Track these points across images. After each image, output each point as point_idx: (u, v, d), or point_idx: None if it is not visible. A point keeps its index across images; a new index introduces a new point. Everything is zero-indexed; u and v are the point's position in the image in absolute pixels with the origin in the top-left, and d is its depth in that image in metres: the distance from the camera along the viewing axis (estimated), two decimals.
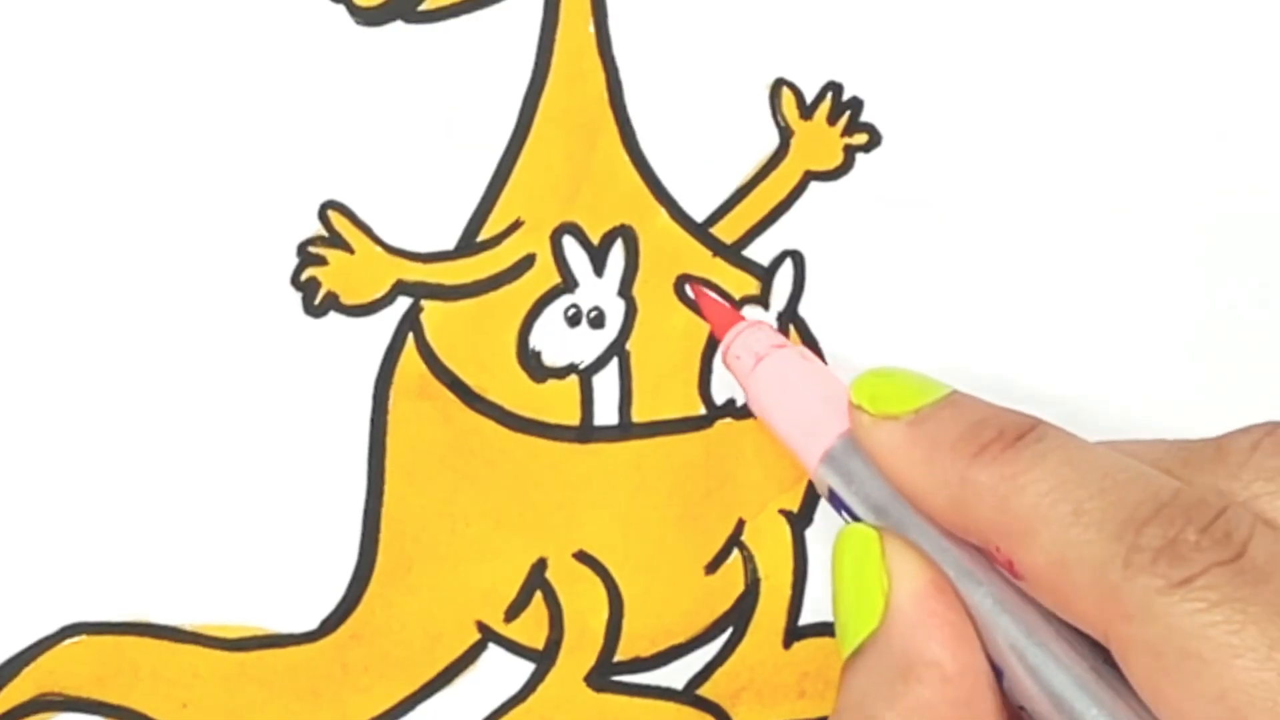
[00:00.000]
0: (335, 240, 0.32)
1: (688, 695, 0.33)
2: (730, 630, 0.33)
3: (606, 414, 0.33)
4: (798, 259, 0.33)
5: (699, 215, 0.33)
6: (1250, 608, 0.23)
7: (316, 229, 0.32)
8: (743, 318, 0.32)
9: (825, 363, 0.33)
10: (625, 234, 0.33)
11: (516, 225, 0.33)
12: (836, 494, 0.29)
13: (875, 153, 0.34)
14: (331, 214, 0.32)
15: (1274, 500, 0.25)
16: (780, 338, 0.31)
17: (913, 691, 0.26)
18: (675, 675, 0.33)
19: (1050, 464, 0.25)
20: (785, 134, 0.33)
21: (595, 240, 0.33)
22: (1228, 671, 0.22)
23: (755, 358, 0.31)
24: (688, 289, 0.33)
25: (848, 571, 0.28)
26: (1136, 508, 0.24)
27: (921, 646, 0.26)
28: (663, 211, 0.33)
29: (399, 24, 0.32)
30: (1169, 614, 0.23)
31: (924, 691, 0.26)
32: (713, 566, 0.33)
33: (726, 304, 0.33)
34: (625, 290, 0.33)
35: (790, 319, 0.33)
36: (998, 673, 0.26)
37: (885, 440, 0.28)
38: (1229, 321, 0.35)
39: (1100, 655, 0.25)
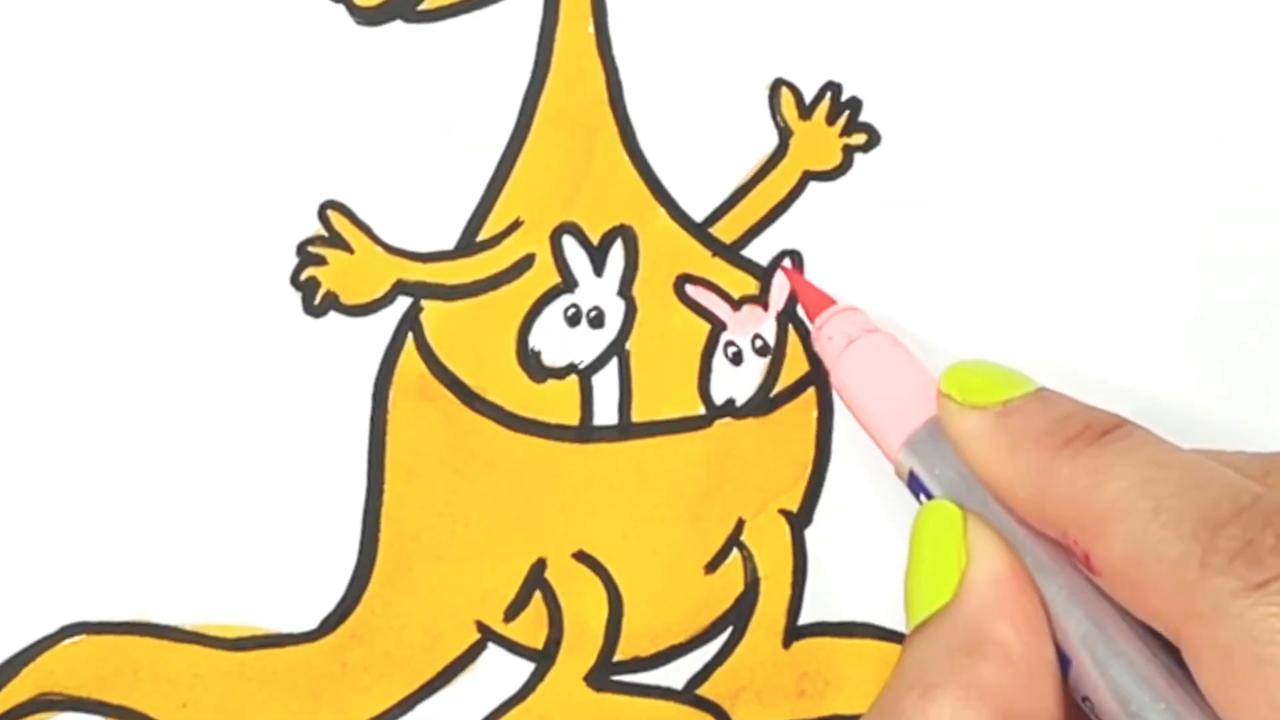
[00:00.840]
0: (335, 240, 0.32)
1: (687, 695, 0.33)
2: (730, 630, 0.33)
3: (606, 414, 0.33)
4: (796, 259, 0.34)
5: (698, 215, 0.33)
6: None
7: (316, 229, 0.32)
8: (835, 301, 0.32)
9: None
10: (625, 234, 0.33)
11: (516, 225, 0.33)
12: (917, 477, 0.29)
13: (874, 153, 0.34)
14: (331, 214, 0.32)
15: None
16: (872, 323, 0.31)
17: (976, 666, 0.26)
18: (675, 675, 0.33)
19: (1133, 460, 0.25)
20: (784, 134, 0.34)
21: (595, 240, 0.33)
22: None
23: (847, 339, 0.31)
24: (779, 273, 0.33)
25: (927, 544, 0.28)
26: (1216, 508, 0.24)
27: (992, 625, 0.26)
28: (662, 211, 0.33)
29: (399, 24, 0.32)
30: (1242, 617, 0.23)
31: (987, 668, 0.26)
32: (712, 566, 0.33)
33: (816, 287, 0.33)
34: (625, 290, 0.33)
35: (789, 319, 0.33)
36: (1064, 664, 0.26)
37: (972, 429, 0.28)
38: (1228, 321, 0.35)
39: (1171, 656, 0.25)
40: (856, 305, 0.32)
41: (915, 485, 0.29)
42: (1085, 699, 0.26)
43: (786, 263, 0.33)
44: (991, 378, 0.28)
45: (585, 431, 0.33)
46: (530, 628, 0.33)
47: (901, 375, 0.30)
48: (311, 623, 0.32)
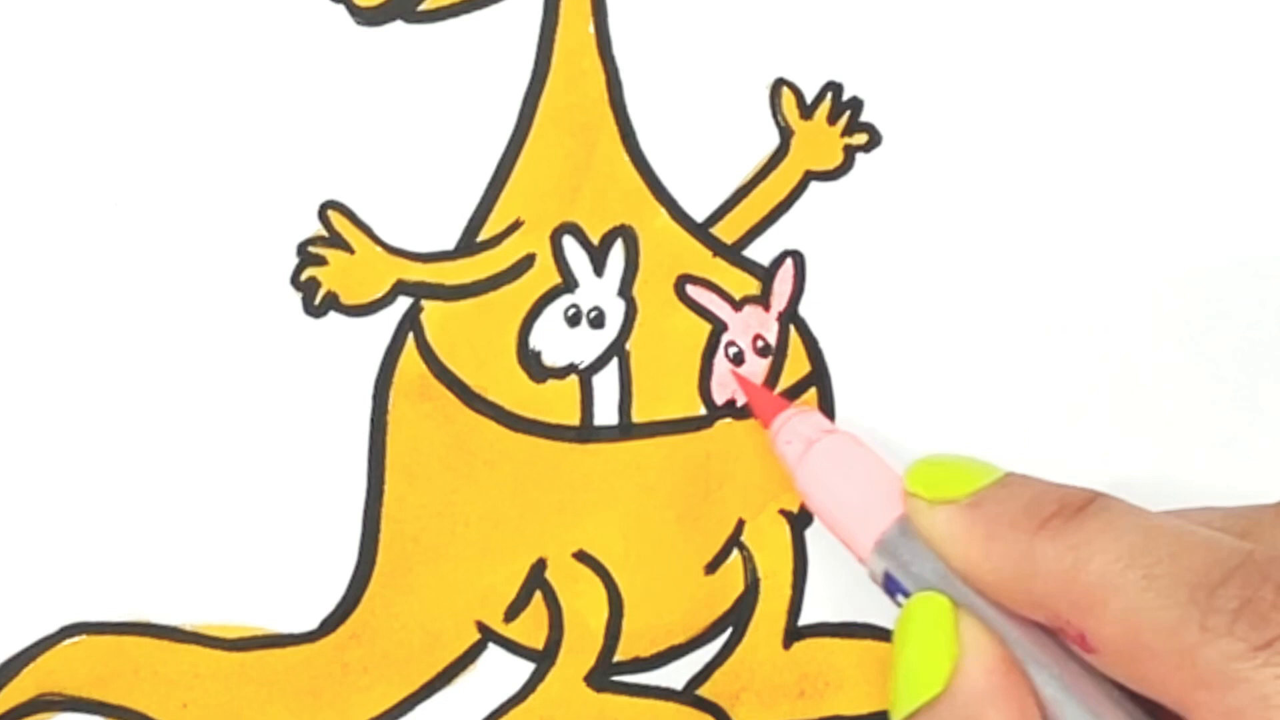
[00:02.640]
0: (335, 240, 0.32)
1: (687, 695, 0.33)
2: (730, 630, 0.33)
3: (606, 414, 0.33)
4: (798, 259, 0.33)
5: (699, 215, 0.33)
6: None
7: (316, 229, 0.32)
8: (789, 404, 0.32)
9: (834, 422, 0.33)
10: (625, 234, 0.33)
11: (516, 225, 0.33)
12: (893, 578, 0.29)
13: (875, 153, 0.34)
14: (331, 214, 0.32)
15: None
16: (829, 423, 0.31)
17: None
18: (675, 675, 0.33)
19: (1116, 532, 0.25)
20: (785, 134, 0.33)
21: (595, 240, 0.33)
22: None
23: (806, 442, 0.31)
24: (734, 377, 0.33)
25: (917, 635, 0.27)
26: (1209, 570, 0.24)
27: (987, 716, 0.26)
28: (663, 211, 0.33)
29: (399, 24, 0.32)
30: (1250, 680, 0.22)
31: None
32: (712, 567, 0.33)
33: (770, 391, 0.33)
34: (625, 290, 0.33)
35: (791, 319, 0.33)
36: None
37: (944, 524, 0.27)
38: (1229, 321, 0.35)
39: None
40: (810, 406, 0.32)
41: (891, 586, 0.29)
42: None
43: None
44: (957, 470, 0.28)
45: (585, 432, 0.33)
46: (530, 628, 0.33)
47: (865, 474, 0.30)
48: (312, 623, 0.32)
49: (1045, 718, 0.26)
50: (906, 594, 0.28)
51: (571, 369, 0.33)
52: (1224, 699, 0.23)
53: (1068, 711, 0.26)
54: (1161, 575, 0.24)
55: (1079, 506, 0.26)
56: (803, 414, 0.31)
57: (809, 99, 0.34)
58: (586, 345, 0.33)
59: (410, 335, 0.32)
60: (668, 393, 0.33)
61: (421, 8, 0.32)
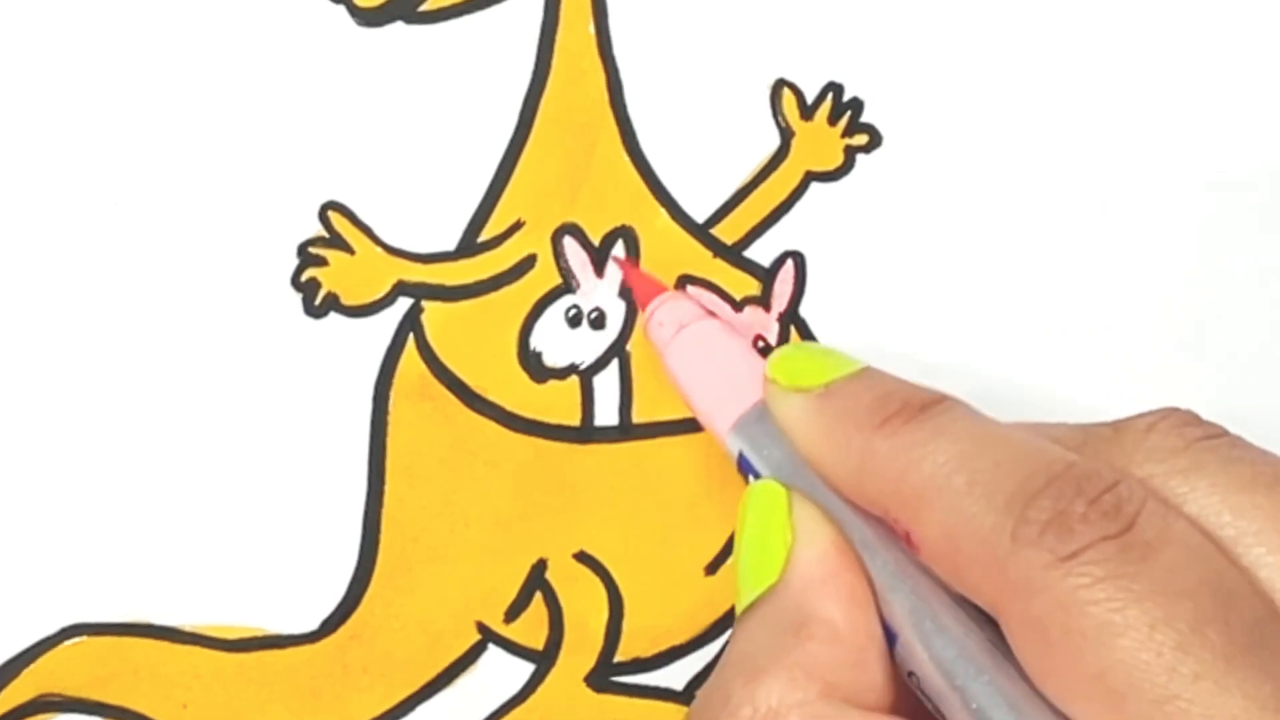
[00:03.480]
0: (336, 241, 0.32)
1: (688, 696, 0.33)
2: (730, 631, 0.33)
3: (607, 415, 0.33)
4: (798, 260, 0.33)
5: (700, 216, 0.33)
6: (1134, 585, 0.22)
7: (317, 230, 0.32)
8: (667, 288, 0.32)
9: None
10: (626, 235, 0.33)
11: (517, 226, 0.33)
12: (746, 459, 0.29)
13: (876, 153, 0.34)
14: (332, 215, 0.32)
15: (1167, 480, 0.25)
16: (704, 311, 0.32)
17: (802, 646, 0.26)
18: (675, 676, 0.33)
19: (949, 436, 0.25)
20: (786, 134, 0.33)
21: (596, 241, 0.33)
22: (1108, 650, 0.22)
23: (678, 325, 0.31)
24: (615, 262, 0.33)
25: (752, 525, 0.28)
26: (1029, 479, 0.24)
27: (817, 604, 0.26)
28: (663, 212, 0.33)
29: (399, 24, 0.32)
30: (1052, 589, 0.23)
31: (814, 648, 0.26)
32: (713, 567, 0.33)
33: (650, 275, 0.33)
34: (626, 291, 0.33)
35: (792, 320, 0.33)
36: (891, 640, 0.26)
37: (795, 411, 0.28)
38: (1229, 322, 0.35)
39: (994, 629, 0.25)
40: (689, 293, 0.32)
41: (745, 466, 0.29)
42: (911, 674, 0.26)
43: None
44: (815, 360, 0.29)
45: (586, 432, 0.33)
46: (531, 628, 0.33)
47: (732, 360, 0.30)
48: (312, 624, 0.32)
49: (878, 604, 0.26)
50: (758, 476, 0.29)
51: (572, 369, 0.33)
52: (1028, 606, 0.23)
53: (898, 598, 0.26)
54: (983, 482, 0.24)
55: (921, 407, 0.26)
56: (676, 299, 0.32)
57: (810, 100, 0.34)
58: (587, 346, 0.33)
59: (411, 336, 0.32)
60: (668, 394, 0.33)
61: (422, 8, 0.32)
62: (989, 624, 0.25)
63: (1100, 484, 0.24)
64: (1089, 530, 0.23)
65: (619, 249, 0.33)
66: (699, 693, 0.27)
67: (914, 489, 0.25)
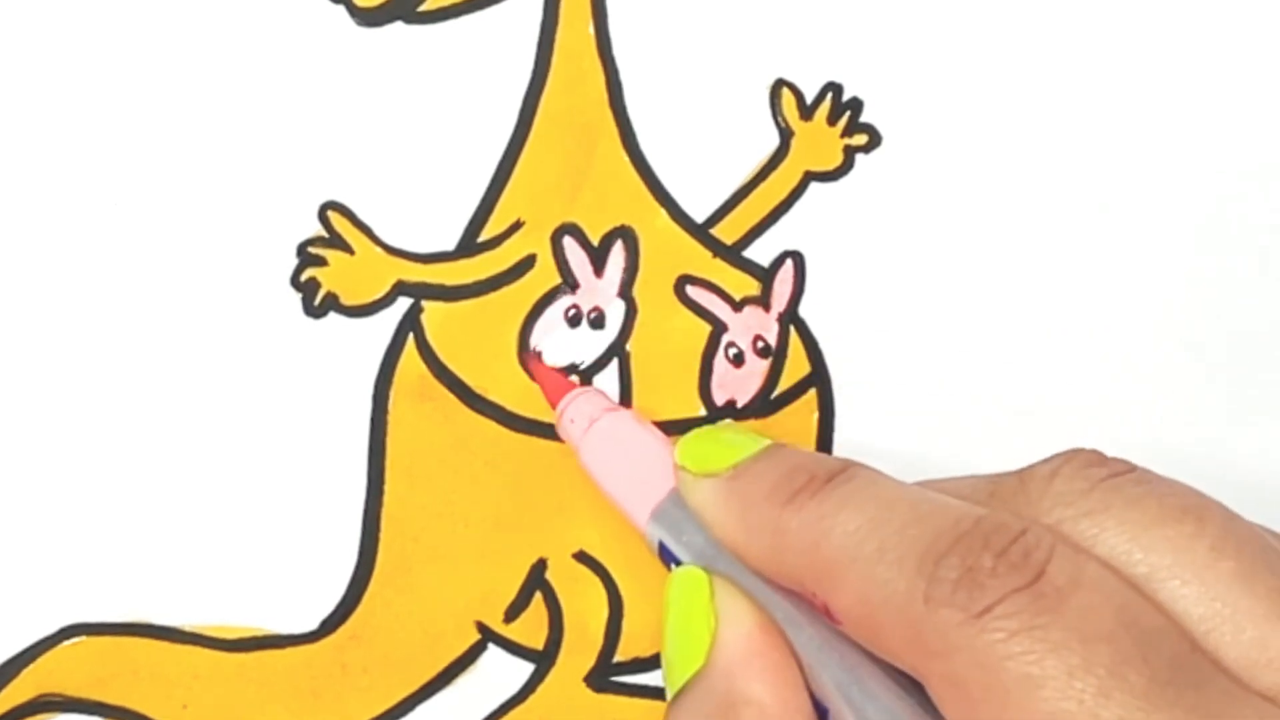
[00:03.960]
0: (335, 241, 0.32)
1: None
2: None
3: None
4: (798, 260, 0.33)
5: (699, 216, 0.33)
6: (1050, 634, 0.22)
7: (316, 229, 0.32)
8: (575, 385, 0.32)
9: (826, 357, 0.33)
10: (625, 235, 0.33)
11: (517, 226, 0.33)
12: (666, 547, 0.29)
13: (875, 153, 0.34)
14: (331, 214, 0.32)
15: (1076, 524, 0.25)
16: (613, 402, 0.32)
17: None
18: None
19: (856, 504, 0.25)
20: (785, 134, 0.33)
21: (595, 241, 0.33)
22: (1030, 703, 0.22)
23: (589, 420, 0.31)
24: (521, 362, 0.33)
25: (676, 611, 0.28)
26: (936, 539, 0.24)
27: (744, 685, 0.26)
28: (663, 212, 0.33)
29: (399, 24, 0.32)
30: (969, 647, 0.23)
31: None
32: None
33: (559, 372, 0.33)
34: (625, 291, 0.33)
35: (791, 320, 0.33)
36: (822, 714, 0.26)
37: (705, 496, 0.28)
38: (1229, 321, 0.35)
39: (922, 693, 0.25)
40: (595, 387, 0.33)
41: (666, 555, 0.29)
42: None
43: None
44: (721, 443, 0.29)
45: None
46: (530, 628, 0.33)
47: (644, 450, 0.30)
48: (312, 623, 0.32)
49: (807, 679, 0.26)
50: (679, 563, 0.29)
51: (572, 369, 0.33)
52: (948, 666, 0.23)
53: (825, 671, 0.26)
54: (893, 547, 0.24)
55: (826, 478, 0.26)
56: (585, 394, 0.32)
57: (809, 100, 0.34)
58: (587, 346, 0.33)
59: (410, 336, 0.32)
60: (668, 393, 0.33)
61: (421, 9, 0.32)
62: (917, 689, 0.25)
63: (1007, 536, 0.24)
64: (999, 584, 0.23)
65: (617, 256, 0.33)
66: None
67: (826, 561, 0.25)
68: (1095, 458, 0.26)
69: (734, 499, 0.27)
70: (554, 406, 0.32)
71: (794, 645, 0.27)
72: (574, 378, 0.33)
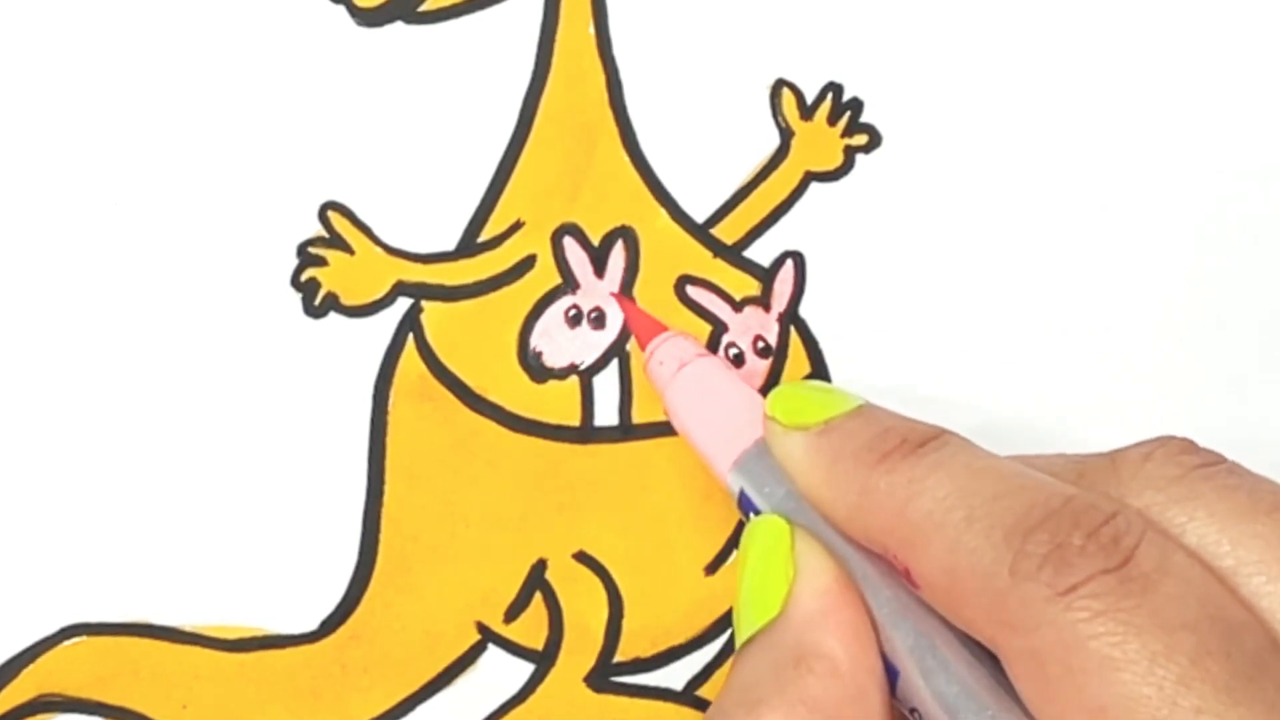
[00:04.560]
0: (335, 241, 0.32)
1: (688, 696, 0.33)
2: (730, 631, 0.33)
3: (607, 415, 0.33)
4: (798, 260, 0.33)
5: (699, 216, 0.33)
6: (1134, 618, 0.22)
7: (316, 230, 0.32)
8: (667, 328, 0.32)
9: (828, 365, 0.33)
10: (626, 235, 0.33)
11: (517, 226, 0.33)
12: (747, 496, 0.29)
13: (876, 154, 0.34)
14: (331, 214, 0.32)
15: (1165, 510, 0.25)
16: (703, 348, 0.32)
17: (802, 680, 0.26)
18: (675, 676, 0.33)
19: (947, 471, 0.25)
20: (786, 135, 0.33)
21: (596, 241, 0.33)
22: (1109, 685, 0.22)
23: (678, 363, 0.31)
24: (614, 299, 0.33)
25: (754, 559, 0.28)
26: (1027, 513, 0.24)
27: (818, 639, 0.26)
28: (663, 212, 0.33)
29: (399, 25, 0.32)
30: (1052, 623, 0.23)
31: (813, 682, 0.25)
32: (713, 567, 0.33)
33: (651, 316, 0.33)
34: (626, 291, 0.33)
35: (791, 320, 0.33)
36: (892, 676, 0.26)
37: (794, 449, 0.28)
38: (1229, 321, 0.35)
39: (996, 665, 0.25)
40: (687, 332, 0.32)
41: (745, 504, 0.29)
42: (913, 710, 0.26)
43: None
44: (814, 398, 0.29)
45: (586, 432, 0.33)
46: (530, 629, 0.33)
47: (732, 398, 0.30)
48: (312, 624, 0.32)
49: (880, 640, 0.26)
50: (758, 513, 0.29)
51: (572, 370, 0.33)
52: (1028, 641, 0.23)
53: (900, 634, 0.26)
54: (981, 517, 0.24)
55: (920, 443, 0.26)
56: (676, 337, 0.32)
57: (809, 100, 0.34)
58: (587, 346, 0.33)
59: (410, 336, 0.32)
60: None
61: (422, 9, 0.32)
62: (991, 660, 0.25)
63: (1098, 516, 0.24)
64: (1087, 563, 0.23)
65: (618, 256, 0.33)
66: None
67: (912, 525, 0.25)
68: (1188, 445, 0.26)
69: (823, 453, 0.27)
70: (643, 347, 0.32)
71: (870, 605, 0.26)
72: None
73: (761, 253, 0.33)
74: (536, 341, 0.33)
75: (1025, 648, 0.23)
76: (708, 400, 0.31)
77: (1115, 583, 0.23)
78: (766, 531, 0.28)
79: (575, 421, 0.33)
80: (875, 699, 0.26)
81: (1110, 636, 0.22)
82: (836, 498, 0.27)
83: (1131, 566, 0.23)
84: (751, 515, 0.29)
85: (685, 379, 0.31)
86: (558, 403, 0.33)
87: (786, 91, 0.33)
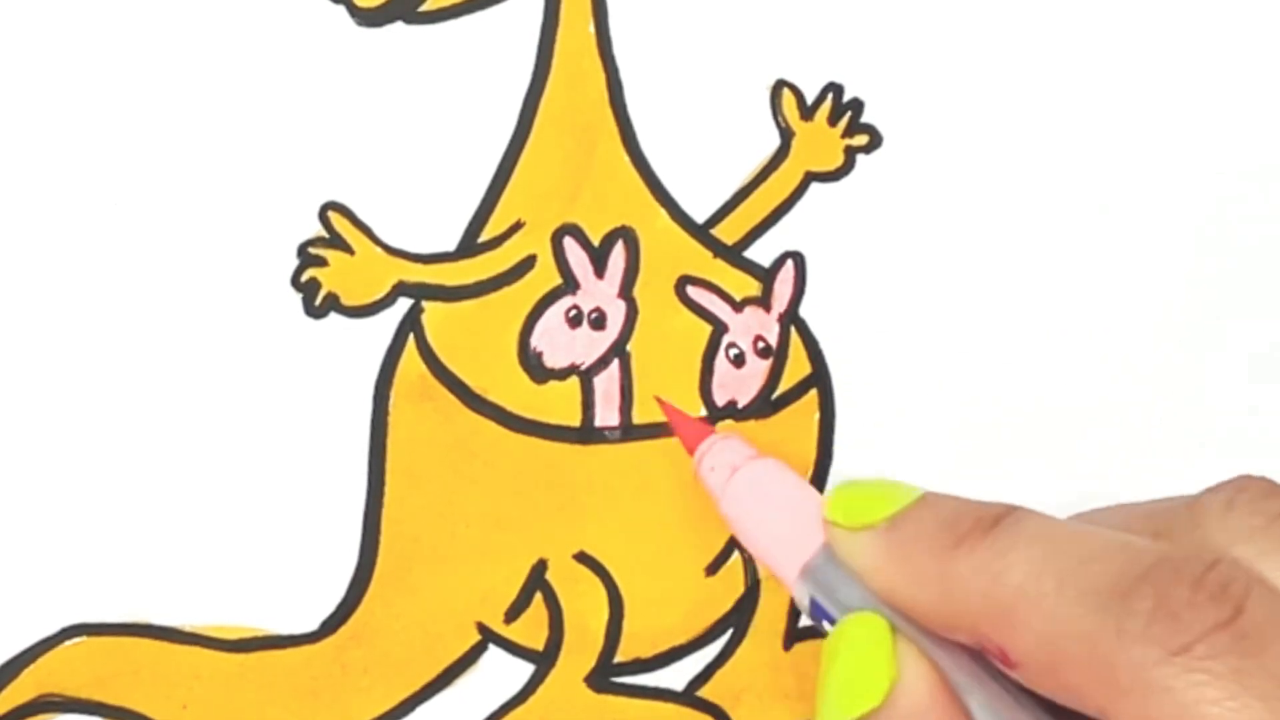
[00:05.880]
0: (336, 241, 0.32)
1: (688, 696, 0.33)
2: (730, 632, 0.33)
3: (607, 415, 0.33)
4: (798, 260, 0.33)
5: (700, 216, 0.33)
6: (1252, 680, 0.21)
7: (317, 230, 0.32)
8: (712, 430, 0.32)
9: (837, 377, 0.34)
10: (626, 235, 0.33)
11: (517, 226, 0.33)
12: (819, 605, 0.28)
13: (876, 154, 0.34)
14: (332, 215, 0.32)
15: (1256, 562, 0.24)
16: (752, 450, 0.31)
17: None
18: (675, 676, 0.33)
19: (1029, 543, 0.25)
20: (786, 135, 0.33)
21: (596, 241, 0.33)
22: None
23: (730, 469, 0.30)
24: (658, 403, 0.33)
25: (851, 652, 0.27)
26: (1122, 573, 0.23)
27: None
28: (663, 213, 0.33)
29: (399, 25, 0.32)
30: (1168, 690, 0.22)
31: None
32: (713, 568, 0.33)
33: (695, 419, 0.32)
34: (626, 291, 0.33)
35: (792, 320, 0.33)
36: None
37: (863, 550, 0.27)
38: (1230, 323, 0.35)
39: None
40: (733, 433, 0.32)
41: (818, 613, 0.28)
42: None
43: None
44: (874, 495, 0.28)
45: (586, 433, 0.33)
46: (531, 629, 0.33)
47: (789, 501, 0.29)
48: (312, 624, 0.32)
49: None
50: (833, 621, 0.28)
51: (572, 370, 0.33)
52: (1144, 708, 0.22)
53: None
54: (1075, 583, 0.23)
55: (994, 521, 0.25)
56: (726, 440, 0.31)
57: (810, 100, 0.34)
58: (587, 346, 0.33)
59: (411, 336, 0.32)
60: (668, 394, 0.33)
61: (422, 9, 0.32)
62: None
63: (1199, 566, 0.23)
64: (1198, 618, 0.22)
65: (618, 257, 0.33)
66: None
67: (1003, 603, 0.24)
68: (1268, 488, 0.25)
69: (895, 549, 0.27)
70: (691, 453, 0.31)
71: (966, 704, 0.26)
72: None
73: (762, 253, 0.33)
74: (537, 342, 0.33)
75: (1139, 713, 0.22)
76: (766, 505, 0.30)
77: (1230, 640, 0.22)
78: (865, 626, 0.27)
79: (575, 422, 0.33)
80: None
81: (1230, 702, 0.21)
82: (916, 591, 0.26)
83: (1244, 621, 0.22)
84: (825, 624, 0.28)
85: (740, 485, 0.30)
86: (558, 403, 0.33)
87: (787, 92, 0.33)
